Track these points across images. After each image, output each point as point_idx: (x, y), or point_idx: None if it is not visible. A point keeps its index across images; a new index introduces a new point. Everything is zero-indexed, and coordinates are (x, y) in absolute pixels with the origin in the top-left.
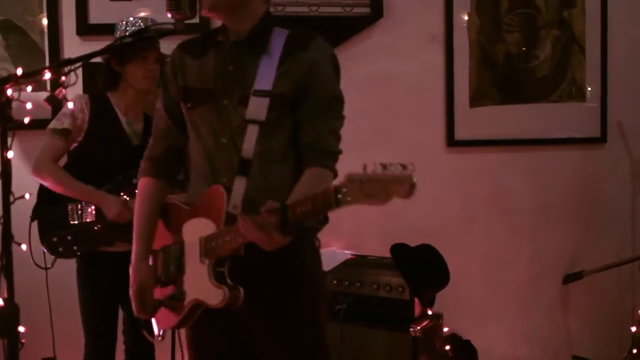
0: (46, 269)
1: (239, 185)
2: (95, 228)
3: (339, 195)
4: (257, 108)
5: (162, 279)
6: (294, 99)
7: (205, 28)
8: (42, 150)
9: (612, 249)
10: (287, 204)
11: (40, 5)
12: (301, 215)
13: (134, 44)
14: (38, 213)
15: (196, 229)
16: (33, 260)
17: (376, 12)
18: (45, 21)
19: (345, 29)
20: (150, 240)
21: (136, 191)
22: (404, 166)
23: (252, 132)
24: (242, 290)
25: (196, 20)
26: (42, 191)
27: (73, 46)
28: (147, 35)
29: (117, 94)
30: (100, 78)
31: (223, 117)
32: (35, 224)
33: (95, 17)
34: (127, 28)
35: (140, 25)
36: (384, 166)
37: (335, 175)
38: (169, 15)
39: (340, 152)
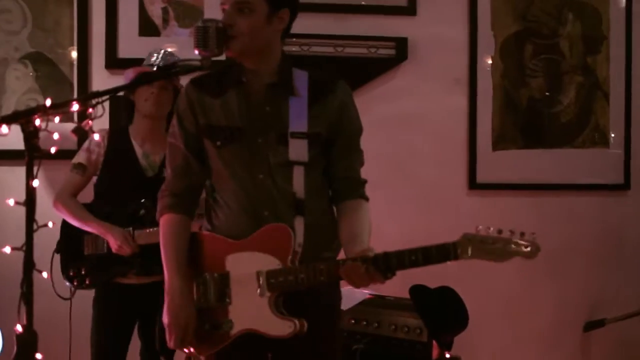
0: (67, 299)
1: (299, 224)
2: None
3: (458, 250)
4: (299, 149)
5: (197, 307)
6: (328, 139)
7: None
8: (62, 184)
9: (636, 296)
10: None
11: (71, 38)
12: (409, 264)
13: (158, 78)
14: (61, 246)
15: (250, 263)
16: (54, 289)
17: (401, 54)
18: (75, 54)
19: (370, 69)
20: (187, 275)
21: (152, 228)
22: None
23: (299, 173)
24: (305, 322)
25: (223, 57)
26: (64, 225)
27: (101, 79)
28: (175, 72)
29: (134, 126)
30: (124, 111)
31: (258, 155)
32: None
33: (124, 51)
34: (154, 60)
35: (166, 59)
36: (499, 231)
37: (367, 200)
38: (196, 52)
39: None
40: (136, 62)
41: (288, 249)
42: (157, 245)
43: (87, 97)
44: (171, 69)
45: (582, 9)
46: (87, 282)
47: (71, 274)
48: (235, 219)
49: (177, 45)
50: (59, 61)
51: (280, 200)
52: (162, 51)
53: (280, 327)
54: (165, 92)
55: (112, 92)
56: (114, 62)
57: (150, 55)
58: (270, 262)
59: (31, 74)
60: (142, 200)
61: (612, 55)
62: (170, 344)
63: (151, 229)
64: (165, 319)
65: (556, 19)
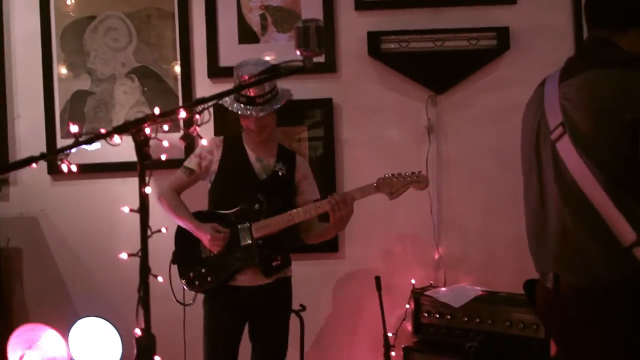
0: (185, 304)
1: None
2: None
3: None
4: None
5: None
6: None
7: (331, 67)
8: (170, 180)
9: None
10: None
11: (174, 52)
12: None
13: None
14: (176, 255)
15: None
16: (174, 296)
17: (503, 44)
18: (178, 68)
19: (472, 62)
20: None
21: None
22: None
23: None
24: None
25: (322, 59)
26: (178, 233)
27: (204, 88)
28: (277, 73)
29: (245, 134)
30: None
31: None
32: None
33: (225, 59)
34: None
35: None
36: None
37: None
38: (298, 52)
39: None
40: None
41: None
42: (276, 241)
43: (193, 103)
44: (273, 70)
45: None
46: (208, 280)
47: (192, 276)
48: None
49: (275, 51)
50: (164, 74)
51: None
52: (241, 74)
53: None
54: (265, 118)
55: (217, 98)
56: (215, 71)
57: (243, 70)
58: None
59: (138, 88)
60: (258, 196)
61: None
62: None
63: (266, 220)
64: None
65: None
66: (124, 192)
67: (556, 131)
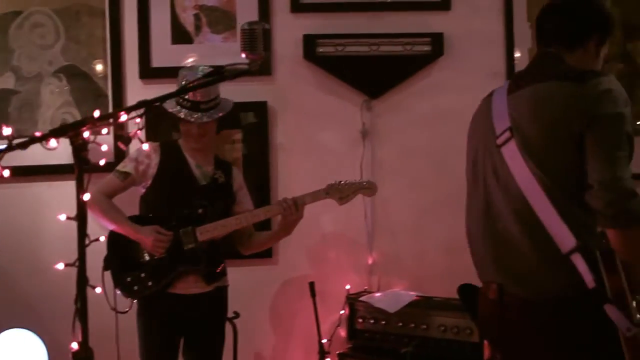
0: (120, 312)
1: None
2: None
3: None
4: None
5: None
6: None
7: (266, 70)
8: (99, 184)
9: None
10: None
11: (104, 51)
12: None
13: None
14: (110, 262)
15: None
16: (109, 303)
17: (437, 50)
18: (109, 68)
19: (407, 67)
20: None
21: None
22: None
23: None
24: None
25: None
26: (111, 238)
27: (136, 90)
28: (222, 76)
29: (184, 141)
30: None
31: None
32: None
33: (158, 60)
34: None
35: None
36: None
37: None
38: (243, 55)
39: None
40: (170, 70)
41: None
42: (218, 246)
43: (135, 106)
44: (218, 73)
45: None
46: (149, 285)
47: (129, 281)
48: None
49: (211, 51)
50: (93, 74)
51: None
52: (185, 75)
53: None
54: (207, 124)
55: (161, 100)
56: (148, 72)
57: (189, 75)
58: None
59: (66, 87)
60: (202, 200)
61: None
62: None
63: (211, 224)
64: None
65: None
66: (60, 197)
67: (503, 136)
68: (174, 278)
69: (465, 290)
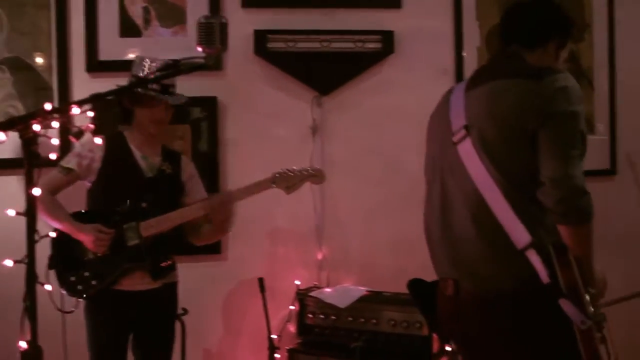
0: (66, 312)
1: None
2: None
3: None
4: None
5: None
6: None
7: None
8: (42, 179)
9: (621, 282)
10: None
11: (49, 43)
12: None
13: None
14: (54, 260)
15: None
16: (53, 303)
17: (387, 47)
18: (54, 59)
19: (357, 63)
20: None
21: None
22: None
23: None
24: None
25: None
26: (55, 237)
27: (82, 83)
28: (178, 69)
29: (131, 130)
30: (114, 114)
31: None
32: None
33: (105, 53)
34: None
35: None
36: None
37: None
38: (200, 49)
39: None
40: (117, 64)
41: None
42: (164, 241)
43: (87, 100)
44: (173, 67)
45: None
46: (93, 284)
47: (73, 280)
48: None
49: (160, 44)
50: (38, 66)
51: None
52: (150, 61)
53: None
54: (169, 110)
55: (114, 94)
56: (95, 66)
57: (140, 66)
58: None
59: (9, 80)
60: (145, 194)
61: (595, 42)
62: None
63: (155, 219)
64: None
65: None
66: (9, 192)
67: (459, 134)
68: (119, 275)
69: (415, 285)
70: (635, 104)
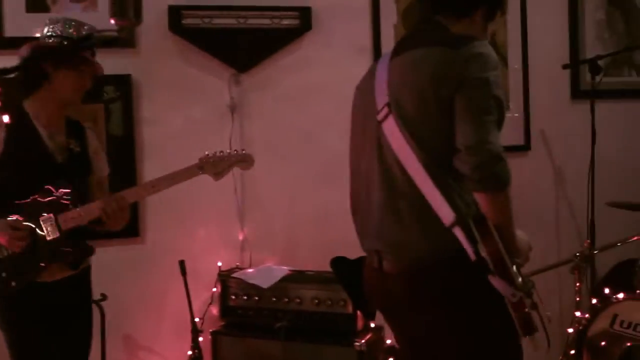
0: None
1: None
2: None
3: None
4: None
5: None
6: None
7: (129, 42)
8: None
9: (537, 254)
10: None
11: None
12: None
13: (76, 49)
14: None
15: None
16: None
17: (305, 24)
18: None
19: (274, 40)
20: None
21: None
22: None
23: None
24: None
25: None
26: None
27: None
28: (91, 43)
29: (35, 104)
30: (18, 85)
31: None
32: None
33: (11, 29)
34: (58, 31)
35: (79, 29)
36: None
37: None
38: (113, 21)
39: None
40: (25, 40)
41: None
42: (84, 232)
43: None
44: (86, 40)
45: None
46: (12, 285)
47: None
48: None
49: None
50: None
51: None
52: (62, 20)
53: None
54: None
55: (26, 64)
56: (0, 42)
57: (49, 26)
58: None
59: None
60: (61, 184)
61: (508, 20)
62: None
63: (75, 210)
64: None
65: None
66: None
67: (382, 112)
68: (39, 272)
69: (338, 262)
70: (548, 81)
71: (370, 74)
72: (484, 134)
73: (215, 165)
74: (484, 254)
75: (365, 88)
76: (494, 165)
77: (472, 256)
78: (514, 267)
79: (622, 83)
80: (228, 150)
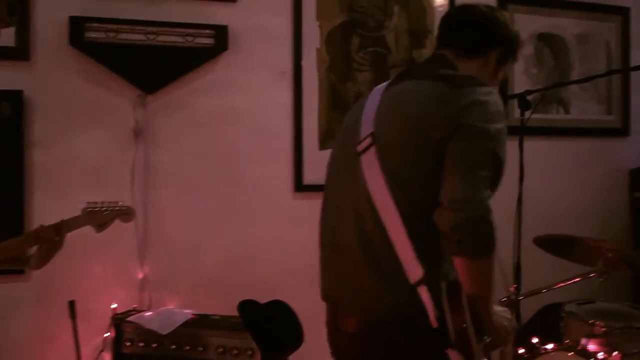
0: None
1: None
2: None
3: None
4: None
5: None
6: None
7: (22, 54)
8: None
9: None
10: None
11: None
12: None
13: None
14: None
15: None
16: None
17: (221, 43)
18: None
19: (187, 60)
20: None
21: None
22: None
23: None
24: None
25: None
26: None
27: None
28: None
29: None
30: None
31: None
32: None
33: None
34: None
35: None
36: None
37: None
38: None
39: None
40: None
41: None
42: None
43: None
44: None
45: (407, 2)
46: None
47: None
48: None
49: None
50: None
51: None
52: None
53: None
54: None
55: None
56: None
57: None
58: None
59: None
60: None
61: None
62: None
63: None
64: None
65: (382, 11)
66: None
67: (364, 142)
68: None
69: (247, 307)
70: None
71: (360, 104)
72: (472, 190)
73: (98, 217)
74: (448, 325)
75: (352, 114)
76: (477, 226)
77: (434, 323)
78: (481, 345)
79: (549, 121)
80: (113, 203)
